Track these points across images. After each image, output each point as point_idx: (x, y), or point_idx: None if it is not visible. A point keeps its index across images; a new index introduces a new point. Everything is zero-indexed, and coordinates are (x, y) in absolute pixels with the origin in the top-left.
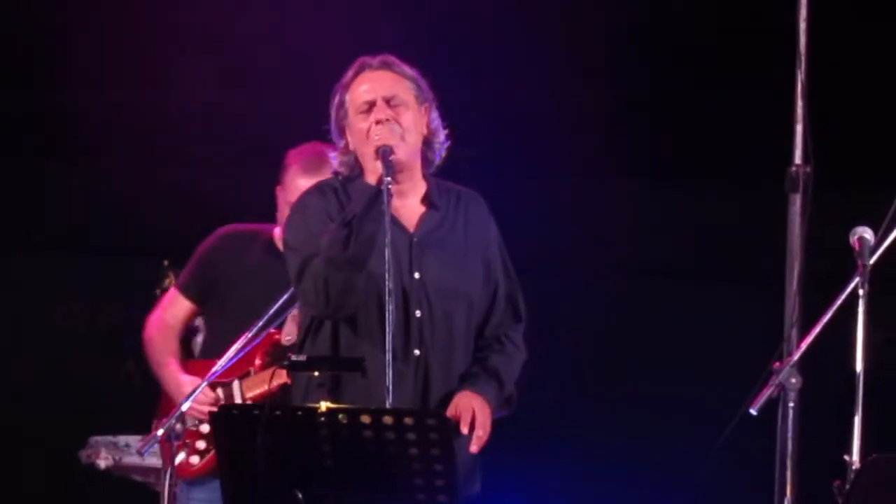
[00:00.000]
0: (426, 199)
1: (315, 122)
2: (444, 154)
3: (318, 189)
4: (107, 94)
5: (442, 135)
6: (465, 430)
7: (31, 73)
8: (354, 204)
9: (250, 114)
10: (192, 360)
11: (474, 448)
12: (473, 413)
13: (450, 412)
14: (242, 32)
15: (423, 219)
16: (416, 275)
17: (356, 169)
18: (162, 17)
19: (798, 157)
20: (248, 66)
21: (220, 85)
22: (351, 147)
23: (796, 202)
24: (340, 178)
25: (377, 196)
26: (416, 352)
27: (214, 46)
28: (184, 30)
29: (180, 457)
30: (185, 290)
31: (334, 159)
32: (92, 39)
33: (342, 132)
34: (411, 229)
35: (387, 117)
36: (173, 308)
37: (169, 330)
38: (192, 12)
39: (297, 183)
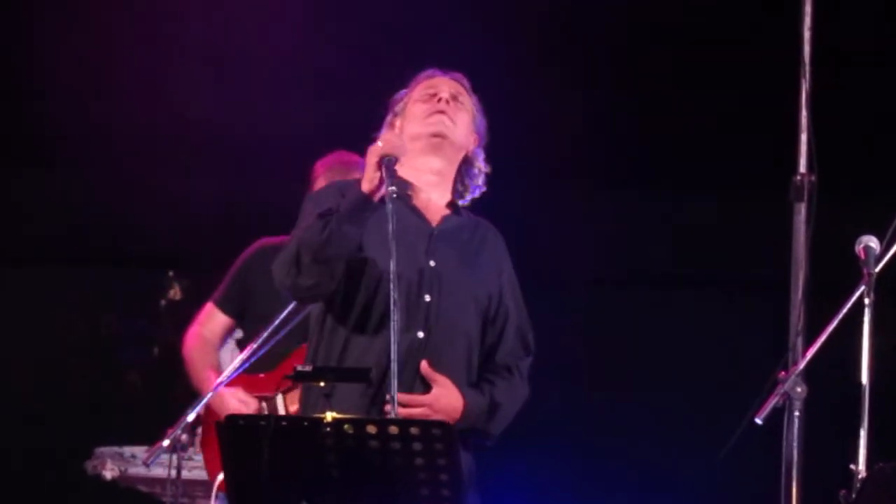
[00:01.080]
0: (450, 206)
1: (309, 131)
2: (476, 196)
3: (338, 185)
4: (104, 103)
5: (482, 166)
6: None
7: (24, 82)
8: (344, 201)
9: (249, 122)
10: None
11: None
12: (427, 400)
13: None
14: (237, 40)
15: (444, 218)
16: (432, 262)
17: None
18: (156, 25)
19: (803, 166)
20: (244, 75)
21: (217, 93)
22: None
23: (801, 211)
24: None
25: (365, 204)
26: (420, 334)
27: (210, 55)
28: (178, 38)
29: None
30: (221, 305)
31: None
32: (85, 48)
33: (391, 124)
34: (433, 224)
35: (447, 100)
36: (210, 323)
37: (207, 344)
38: (186, 21)
39: None
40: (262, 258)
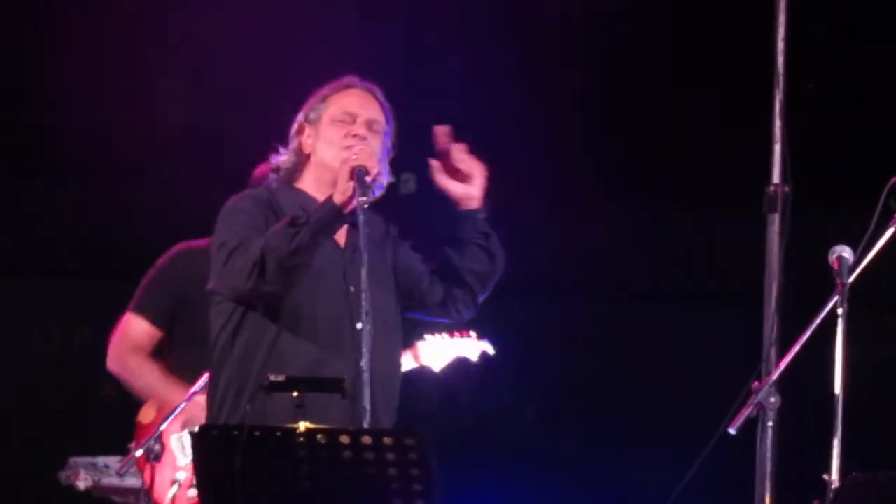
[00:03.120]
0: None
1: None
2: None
3: (253, 196)
4: (82, 116)
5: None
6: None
7: (5, 93)
8: (316, 212)
9: (228, 135)
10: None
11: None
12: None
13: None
14: (219, 53)
15: (348, 234)
16: (352, 288)
17: (294, 173)
18: (138, 37)
19: (776, 177)
20: (224, 88)
21: (196, 106)
22: (306, 150)
23: (775, 222)
24: (268, 188)
25: (339, 216)
26: (362, 362)
27: (191, 67)
28: (159, 50)
29: (173, 490)
30: (144, 312)
31: (281, 155)
32: (67, 60)
33: (301, 131)
34: (341, 243)
35: (364, 135)
36: (133, 333)
37: (139, 353)
38: (169, 32)
39: None
40: (191, 263)
